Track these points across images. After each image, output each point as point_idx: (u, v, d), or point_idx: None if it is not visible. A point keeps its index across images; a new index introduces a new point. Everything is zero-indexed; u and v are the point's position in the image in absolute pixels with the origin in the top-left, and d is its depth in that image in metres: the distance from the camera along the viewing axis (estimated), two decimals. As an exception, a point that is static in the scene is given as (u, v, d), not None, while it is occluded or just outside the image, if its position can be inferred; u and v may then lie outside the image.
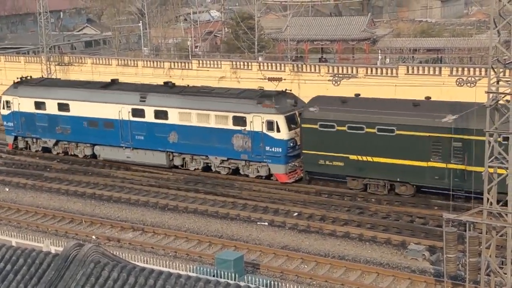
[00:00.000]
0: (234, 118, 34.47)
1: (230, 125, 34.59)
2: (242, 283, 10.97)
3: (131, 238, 28.81)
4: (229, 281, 11.75)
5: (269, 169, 34.30)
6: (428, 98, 32.52)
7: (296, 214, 30.50)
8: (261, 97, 34.84)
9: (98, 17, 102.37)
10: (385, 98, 35.04)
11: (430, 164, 29.44)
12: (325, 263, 25.49)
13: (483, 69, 42.26)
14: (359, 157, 31.44)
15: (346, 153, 31.73)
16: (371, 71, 46.61)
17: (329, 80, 47.16)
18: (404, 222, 29.08)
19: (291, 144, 33.86)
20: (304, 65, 49.67)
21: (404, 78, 44.83)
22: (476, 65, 47.19)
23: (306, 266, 25.45)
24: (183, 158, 36.98)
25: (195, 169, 36.82)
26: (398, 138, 30.13)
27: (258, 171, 34.80)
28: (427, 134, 29.26)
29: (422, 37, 67.77)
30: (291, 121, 33.99)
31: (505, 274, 19.61)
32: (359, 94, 34.77)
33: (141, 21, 73.02)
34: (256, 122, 33.89)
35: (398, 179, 30.83)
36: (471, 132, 27.17)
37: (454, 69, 44.19)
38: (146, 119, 37.11)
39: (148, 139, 37.16)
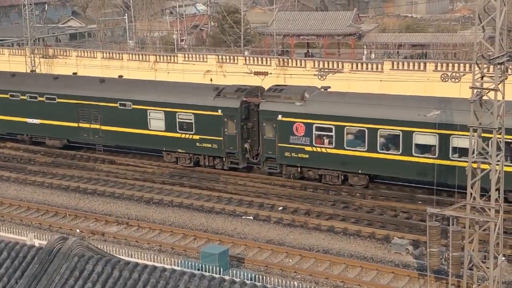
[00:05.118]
0: None
1: None
2: (226, 277, 11.01)
3: (116, 232, 28.72)
4: (214, 274, 11.78)
5: None
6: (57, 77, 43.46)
7: (281, 208, 30.56)
8: None
9: (83, 10, 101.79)
10: None
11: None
12: (309, 257, 25.58)
13: (467, 65, 42.52)
14: None
15: None
16: (357, 66, 46.76)
17: (314, 75, 47.25)
18: (388, 216, 29.25)
19: None
20: (290, 60, 49.71)
21: (389, 73, 45.04)
22: (460, 60, 47.50)
23: (290, 260, 25.53)
24: None
25: None
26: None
27: None
28: None
29: (407, 33, 68.04)
30: None
31: (488, 268, 19.80)
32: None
33: (126, 14, 72.66)
34: None
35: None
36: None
37: (439, 64, 44.45)
38: None
39: None
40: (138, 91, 36.89)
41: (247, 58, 50.86)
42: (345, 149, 31.15)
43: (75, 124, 38.43)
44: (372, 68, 46.08)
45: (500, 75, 19.38)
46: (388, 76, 44.67)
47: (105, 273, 11.03)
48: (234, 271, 21.59)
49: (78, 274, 10.99)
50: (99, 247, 12.56)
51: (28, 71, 53.29)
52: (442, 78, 43.42)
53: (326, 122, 31.36)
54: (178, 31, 69.87)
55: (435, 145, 29.22)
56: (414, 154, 29.68)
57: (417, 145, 29.68)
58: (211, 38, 73.17)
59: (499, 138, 19.91)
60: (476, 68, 19.58)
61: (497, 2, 18.55)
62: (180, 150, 35.63)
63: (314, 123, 31.62)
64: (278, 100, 32.59)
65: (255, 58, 50.59)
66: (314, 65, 47.88)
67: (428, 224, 20.72)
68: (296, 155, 32.24)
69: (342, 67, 46.85)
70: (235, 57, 51.31)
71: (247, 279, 19.85)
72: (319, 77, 47.14)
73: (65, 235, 12.07)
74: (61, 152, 40.34)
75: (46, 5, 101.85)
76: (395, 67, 45.33)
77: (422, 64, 44.96)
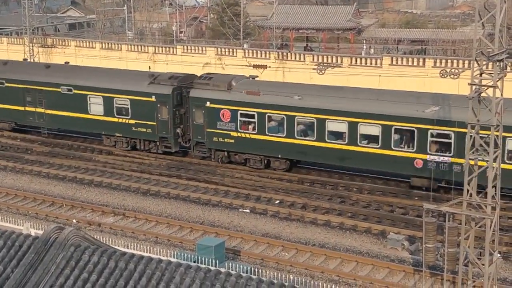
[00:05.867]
0: None
1: None
2: (222, 269, 11.01)
3: (112, 223, 28.73)
4: (209, 267, 11.78)
5: None
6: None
7: (278, 202, 30.58)
8: None
9: (82, 0, 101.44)
10: None
11: None
12: (305, 250, 25.62)
13: (466, 61, 42.51)
14: None
15: None
16: (356, 61, 46.72)
17: (313, 69, 47.22)
18: (384, 211, 29.28)
19: None
20: (289, 53, 49.64)
21: (388, 68, 45.03)
22: (459, 57, 47.49)
23: (286, 254, 25.56)
24: None
25: None
26: None
27: None
28: None
29: (407, 28, 68.02)
30: None
31: (483, 265, 19.84)
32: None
33: (125, 5, 72.46)
34: None
35: None
36: None
37: (438, 60, 44.42)
38: None
39: None
40: (79, 76, 38.41)
41: (246, 51, 50.78)
42: (266, 135, 32.85)
43: (22, 108, 40.11)
44: (371, 63, 46.05)
45: (499, 72, 19.38)
46: (387, 72, 44.66)
47: (101, 263, 11.04)
48: (230, 264, 21.62)
49: (74, 264, 11.00)
50: (95, 237, 12.56)
51: (27, 60, 53.13)
52: (441, 74, 43.41)
53: (250, 109, 33.11)
54: (177, 22, 69.74)
55: (345, 132, 30.95)
56: (327, 140, 31.37)
57: (330, 132, 31.40)
58: (210, 30, 73.02)
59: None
60: (475, 65, 19.57)
61: (497, -1, 18.52)
62: (118, 134, 37.35)
63: (239, 110, 33.36)
64: (207, 87, 34.07)
65: (254, 51, 50.52)
66: (313, 59, 47.83)
67: (424, 220, 20.75)
68: (223, 140, 34.01)
69: (341, 62, 46.81)
70: (234, 50, 51.23)
71: (243, 272, 19.89)
72: (318, 71, 47.11)
73: (61, 225, 12.07)
74: (58, 142, 40.29)
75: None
76: (394, 62, 45.32)
77: (421, 60, 44.93)
